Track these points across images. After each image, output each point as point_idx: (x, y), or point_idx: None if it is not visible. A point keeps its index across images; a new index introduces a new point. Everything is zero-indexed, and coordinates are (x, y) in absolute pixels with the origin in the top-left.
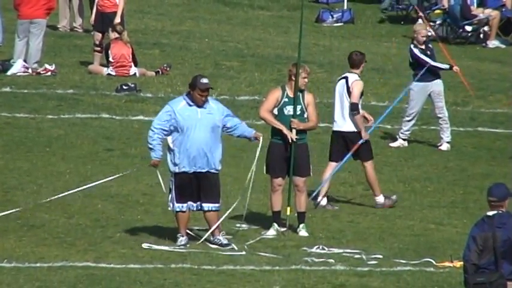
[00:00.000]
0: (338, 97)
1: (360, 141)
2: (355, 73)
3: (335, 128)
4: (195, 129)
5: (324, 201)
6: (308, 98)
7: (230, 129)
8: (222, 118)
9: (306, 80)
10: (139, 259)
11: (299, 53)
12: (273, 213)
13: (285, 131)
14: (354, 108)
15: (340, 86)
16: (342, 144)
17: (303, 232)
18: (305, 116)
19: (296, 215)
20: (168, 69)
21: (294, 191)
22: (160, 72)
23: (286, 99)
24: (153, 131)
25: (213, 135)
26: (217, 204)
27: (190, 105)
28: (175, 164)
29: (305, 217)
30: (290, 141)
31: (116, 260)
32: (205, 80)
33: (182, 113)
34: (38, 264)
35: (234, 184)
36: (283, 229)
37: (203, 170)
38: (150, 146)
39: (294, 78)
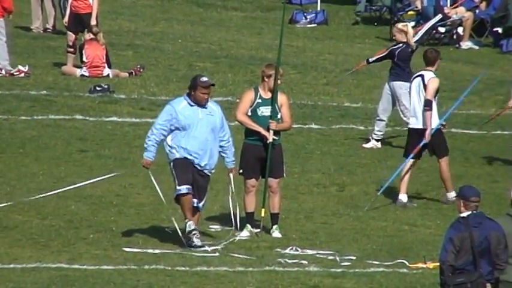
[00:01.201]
0: (414, 95)
1: (421, 143)
2: (431, 70)
3: (411, 126)
4: (195, 129)
5: (405, 198)
6: (281, 98)
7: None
8: (219, 121)
9: (278, 81)
10: (113, 260)
11: (279, 54)
12: (246, 214)
13: (263, 132)
14: (427, 104)
15: (416, 83)
16: (418, 141)
17: (276, 233)
18: (278, 116)
19: (269, 216)
20: (141, 70)
21: (267, 193)
22: (133, 74)
23: (260, 100)
24: (152, 131)
25: (212, 136)
26: (202, 203)
27: (191, 106)
28: (173, 154)
29: (278, 218)
30: (268, 141)
31: (89, 261)
32: (205, 78)
33: (183, 112)
34: (11, 266)
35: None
36: (256, 230)
37: (198, 168)
38: (145, 145)
39: (266, 79)
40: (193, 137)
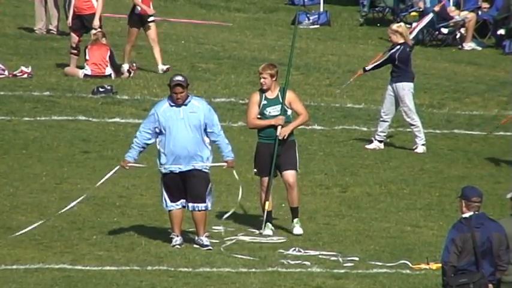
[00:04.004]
0: None
1: None
2: None
3: None
4: (177, 129)
5: None
6: (289, 95)
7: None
8: (204, 118)
9: (274, 78)
10: (116, 261)
11: (290, 57)
12: (265, 213)
13: (273, 121)
14: None
15: None
16: None
17: (297, 228)
18: (288, 113)
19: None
20: (134, 65)
21: (285, 188)
22: (131, 72)
23: (265, 102)
24: (135, 135)
25: (198, 133)
26: (204, 204)
27: (171, 106)
28: (161, 165)
29: (298, 212)
30: (278, 133)
31: (92, 262)
32: (176, 77)
33: (164, 114)
34: (14, 267)
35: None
36: (259, 231)
37: (189, 169)
38: (129, 148)
39: (260, 79)
40: (176, 138)
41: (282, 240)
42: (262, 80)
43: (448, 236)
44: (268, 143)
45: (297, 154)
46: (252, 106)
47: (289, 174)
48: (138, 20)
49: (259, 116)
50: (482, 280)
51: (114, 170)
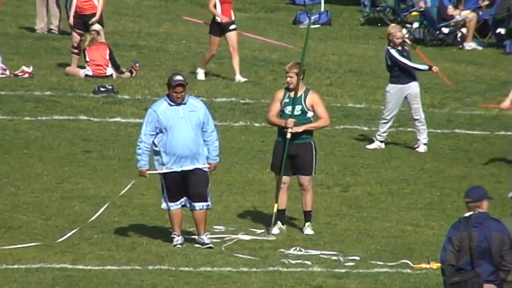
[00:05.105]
0: None
1: None
2: None
3: None
4: (178, 128)
5: None
6: (312, 97)
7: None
8: (202, 116)
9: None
10: (117, 261)
11: (303, 55)
12: (277, 211)
13: (283, 122)
14: None
15: None
16: None
17: (308, 230)
18: (308, 115)
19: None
20: (137, 64)
21: (299, 190)
22: (133, 72)
23: (287, 100)
24: (140, 138)
25: (198, 132)
26: (206, 203)
27: (171, 105)
28: (162, 164)
29: (311, 216)
30: (287, 133)
31: (93, 262)
32: (177, 77)
33: (164, 113)
34: (15, 266)
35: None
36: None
37: (190, 168)
38: (137, 155)
39: (286, 78)
40: (177, 138)
41: (272, 238)
42: (288, 78)
43: (446, 235)
44: (285, 142)
45: (314, 157)
46: (273, 103)
47: (304, 179)
48: (219, 29)
49: (280, 114)
50: (475, 279)
51: (130, 184)
